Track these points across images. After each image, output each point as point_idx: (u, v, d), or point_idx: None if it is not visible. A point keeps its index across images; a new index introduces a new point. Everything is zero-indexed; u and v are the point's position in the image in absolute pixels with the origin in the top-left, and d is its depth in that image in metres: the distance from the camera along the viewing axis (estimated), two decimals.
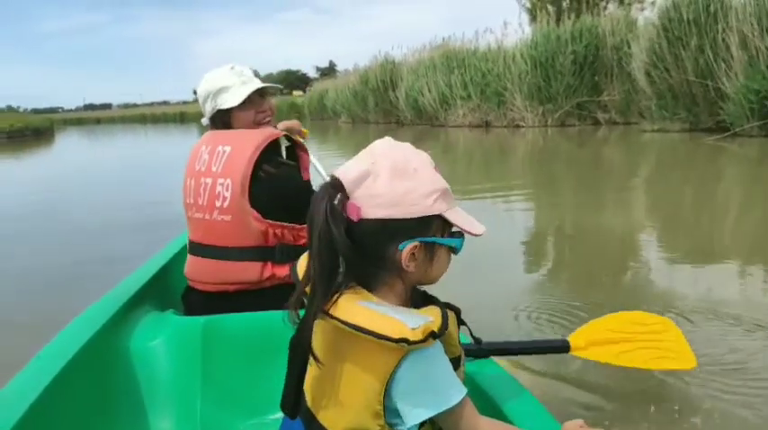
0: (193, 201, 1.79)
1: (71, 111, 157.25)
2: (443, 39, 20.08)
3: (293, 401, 1.06)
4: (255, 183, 1.72)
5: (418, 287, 1.04)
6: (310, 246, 0.91)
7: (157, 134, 32.92)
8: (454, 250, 1.01)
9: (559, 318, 2.84)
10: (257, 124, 1.88)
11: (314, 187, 1.65)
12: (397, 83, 21.79)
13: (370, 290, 0.96)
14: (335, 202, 0.91)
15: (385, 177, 0.92)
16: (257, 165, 1.73)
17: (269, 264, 1.74)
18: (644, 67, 12.07)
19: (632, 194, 6.81)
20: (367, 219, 0.92)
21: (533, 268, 4.10)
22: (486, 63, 16.90)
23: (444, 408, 0.91)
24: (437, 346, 0.92)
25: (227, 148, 1.75)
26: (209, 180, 1.75)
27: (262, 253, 1.74)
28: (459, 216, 0.98)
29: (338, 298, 0.92)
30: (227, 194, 1.71)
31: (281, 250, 1.74)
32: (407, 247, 0.93)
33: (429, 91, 18.75)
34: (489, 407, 1.17)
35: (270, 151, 1.78)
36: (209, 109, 1.87)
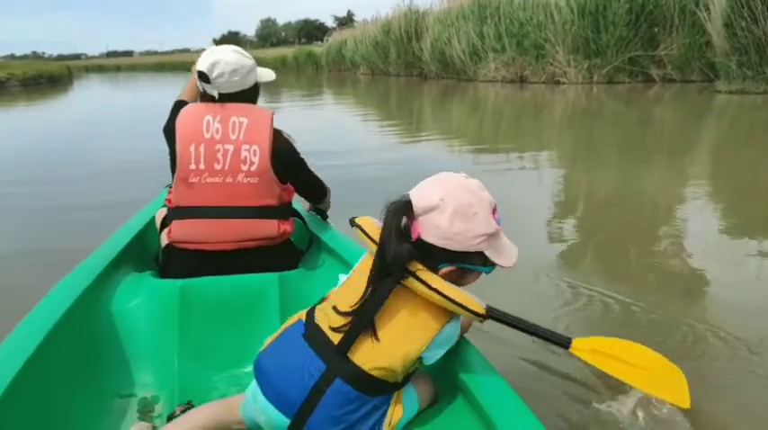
0: (206, 166, 1.76)
1: (94, 57, 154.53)
2: None
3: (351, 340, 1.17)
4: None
5: None
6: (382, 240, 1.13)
7: (178, 81, 30.91)
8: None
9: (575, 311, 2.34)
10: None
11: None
12: (422, 33, 19.61)
13: None
14: (402, 221, 1.13)
15: (447, 215, 1.10)
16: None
17: (281, 221, 1.86)
18: (723, 17, 9.93)
19: (694, 167, 5.36)
20: (423, 240, 1.12)
21: (557, 257, 3.12)
22: (524, 12, 14.90)
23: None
24: None
25: (244, 120, 1.79)
26: (229, 146, 1.76)
27: (277, 211, 1.85)
28: (495, 252, 1.16)
29: (421, 271, 1.12)
30: (255, 159, 1.77)
31: (286, 208, 1.92)
32: (445, 269, 1.15)
33: (458, 42, 16.67)
34: (461, 392, 1.25)
35: None
36: (252, 79, 1.89)
